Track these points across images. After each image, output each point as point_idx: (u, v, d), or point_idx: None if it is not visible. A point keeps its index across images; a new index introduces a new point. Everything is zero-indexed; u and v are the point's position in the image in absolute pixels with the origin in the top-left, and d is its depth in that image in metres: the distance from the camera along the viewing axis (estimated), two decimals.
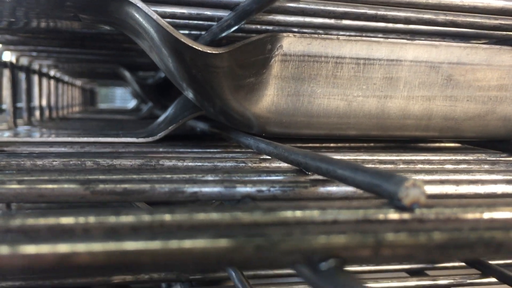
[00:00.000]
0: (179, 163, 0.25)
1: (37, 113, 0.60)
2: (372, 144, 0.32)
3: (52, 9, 0.28)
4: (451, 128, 0.30)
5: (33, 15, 0.29)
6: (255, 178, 0.19)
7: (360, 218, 0.13)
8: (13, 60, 0.52)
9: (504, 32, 0.27)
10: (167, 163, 0.24)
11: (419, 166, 0.28)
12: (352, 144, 0.33)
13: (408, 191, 0.13)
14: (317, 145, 0.32)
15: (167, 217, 0.11)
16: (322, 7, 0.24)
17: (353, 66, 0.27)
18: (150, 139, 0.32)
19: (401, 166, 0.27)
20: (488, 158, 0.30)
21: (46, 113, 0.67)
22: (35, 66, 0.59)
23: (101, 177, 0.16)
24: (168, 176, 0.18)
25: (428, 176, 0.22)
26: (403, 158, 0.29)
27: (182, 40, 0.21)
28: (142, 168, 0.24)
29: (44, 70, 0.66)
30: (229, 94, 0.26)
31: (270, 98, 0.26)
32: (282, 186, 0.18)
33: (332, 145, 0.32)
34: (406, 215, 0.13)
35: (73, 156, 0.25)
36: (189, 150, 0.31)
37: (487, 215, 0.14)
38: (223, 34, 0.27)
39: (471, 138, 0.32)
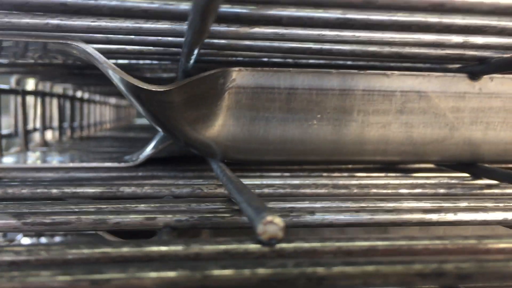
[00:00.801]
0: (138, 190, 0.27)
1: (56, 133, 0.64)
2: (337, 167, 0.33)
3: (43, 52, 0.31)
4: (411, 153, 0.31)
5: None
6: (183, 208, 0.21)
7: (221, 251, 0.14)
8: (32, 85, 0.56)
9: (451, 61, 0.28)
10: (127, 190, 0.27)
11: (373, 190, 0.29)
12: (324, 167, 0.34)
13: (266, 227, 0.14)
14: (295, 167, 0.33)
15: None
16: (268, 44, 0.26)
17: (306, 96, 0.28)
18: (130, 163, 0.35)
19: (355, 190, 0.29)
20: (450, 182, 0.31)
21: (69, 132, 0.71)
22: (58, 89, 0.63)
23: (32, 210, 0.19)
24: (104, 206, 0.20)
25: (359, 204, 0.23)
26: (364, 182, 0.30)
27: (130, 81, 0.23)
28: (103, 195, 0.26)
29: (69, 92, 0.70)
30: (187, 126, 0.28)
31: (227, 128, 0.28)
32: (201, 216, 0.20)
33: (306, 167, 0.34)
34: (265, 249, 0.14)
35: (51, 183, 0.28)
36: (166, 174, 0.34)
37: (345, 248, 0.15)
38: (188, 67, 0.29)
39: (435, 161, 0.32)
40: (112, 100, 1.23)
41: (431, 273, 0.13)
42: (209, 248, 0.14)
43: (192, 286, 0.12)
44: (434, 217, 0.21)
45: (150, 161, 0.36)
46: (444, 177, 0.32)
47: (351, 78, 0.29)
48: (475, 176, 0.32)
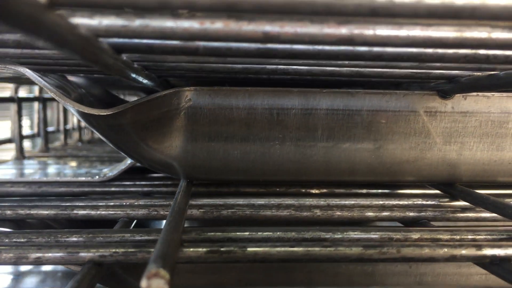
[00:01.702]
0: (92, 212, 0.27)
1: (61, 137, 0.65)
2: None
3: None
4: (382, 173, 0.30)
5: None
6: (116, 239, 0.21)
7: None
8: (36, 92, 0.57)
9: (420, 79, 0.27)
10: (81, 212, 0.27)
11: (337, 213, 0.28)
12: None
13: (150, 281, 0.14)
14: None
15: None
16: (221, 65, 0.25)
17: (267, 116, 0.28)
18: (105, 178, 0.35)
19: (318, 213, 0.28)
20: (424, 203, 0.30)
21: (77, 135, 0.72)
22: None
23: None
24: (23, 240, 0.20)
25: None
26: (334, 203, 0.29)
27: (75, 107, 0.23)
28: (57, 216, 0.26)
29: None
30: (145, 146, 0.27)
31: (186, 147, 0.28)
32: (126, 251, 0.19)
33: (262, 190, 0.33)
34: None
35: (11, 203, 0.28)
36: (139, 189, 0.34)
37: None
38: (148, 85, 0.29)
39: (410, 181, 0.31)
40: None
41: None
42: None
43: None
44: (374, 253, 0.20)
45: (133, 172, 0.36)
46: (420, 197, 0.30)
47: (313, 97, 0.27)
48: (453, 197, 0.30)
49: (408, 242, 0.21)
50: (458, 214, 0.28)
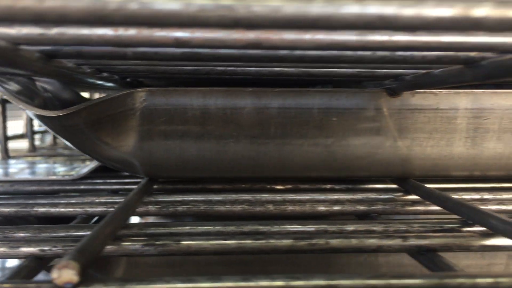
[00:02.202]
0: (52, 209, 0.28)
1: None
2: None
3: None
4: (335, 168, 0.31)
5: None
6: (54, 235, 0.22)
7: None
8: None
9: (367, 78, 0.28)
10: (41, 209, 0.28)
11: (290, 208, 0.29)
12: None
13: (60, 272, 0.15)
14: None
15: None
16: (170, 67, 0.27)
17: (221, 114, 0.29)
18: (75, 176, 0.36)
19: (271, 208, 0.29)
20: (378, 197, 0.30)
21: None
22: None
23: None
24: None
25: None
26: (289, 198, 0.30)
27: (28, 109, 0.24)
28: (18, 214, 0.28)
29: None
30: (103, 145, 0.28)
31: (143, 146, 0.29)
32: (65, 245, 0.21)
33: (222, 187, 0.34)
34: None
35: None
36: (108, 187, 0.35)
37: None
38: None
39: (365, 176, 0.32)
40: None
41: None
42: None
43: None
44: (303, 244, 0.21)
45: (106, 171, 0.37)
46: (376, 191, 0.31)
47: (265, 96, 0.28)
48: (406, 191, 0.31)
49: (337, 234, 0.22)
50: (407, 208, 0.29)
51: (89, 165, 0.37)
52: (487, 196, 0.30)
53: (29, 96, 0.29)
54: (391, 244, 0.21)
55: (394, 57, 0.19)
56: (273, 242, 0.21)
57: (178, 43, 0.16)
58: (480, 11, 0.11)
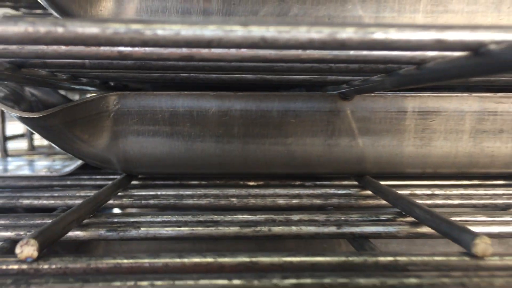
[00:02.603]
0: (35, 201, 0.31)
1: None
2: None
3: None
4: (296, 165, 0.33)
5: None
6: (30, 222, 0.25)
7: None
8: None
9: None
10: (25, 201, 0.31)
11: (252, 201, 0.32)
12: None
13: (22, 248, 0.18)
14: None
15: None
16: (140, 74, 0.29)
17: (188, 116, 0.32)
18: (62, 173, 0.39)
19: (235, 202, 0.32)
20: (336, 192, 0.33)
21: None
22: None
23: None
24: None
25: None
26: (254, 192, 0.33)
27: (9, 111, 0.28)
28: (4, 206, 0.31)
29: None
30: (82, 143, 0.31)
31: (118, 144, 0.32)
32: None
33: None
34: (24, 267, 0.18)
35: None
36: (93, 183, 0.38)
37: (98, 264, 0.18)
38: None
39: (325, 173, 0.35)
40: None
41: None
42: None
43: None
44: (249, 231, 0.24)
45: (92, 168, 0.40)
46: (336, 187, 0.33)
47: (228, 99, 0.31)
48: (363, 187, 0.33)
49: (283, 223, 0.25)
50: (361, 201, 0.31)
51: (74, 163, 0.40)
52: (437, 192, 0.33)
53: (16, 100, 0.32)
54: (327, 232, 0.24)
55: (321, 67, 0.22)
56: (221, 229, 0.24)
57: (121, 56, 0.19)
58: (344, 34, 0.14)
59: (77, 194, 0.32)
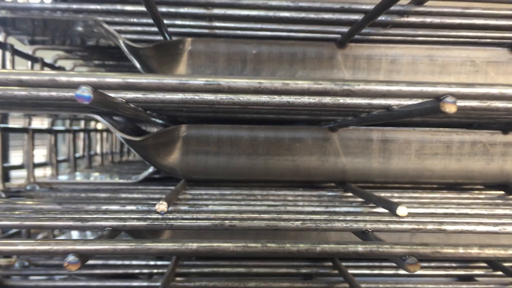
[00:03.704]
0: (129, 195, 0.47)
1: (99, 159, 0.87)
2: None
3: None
4: (299, 175, 0.50)
5: None
6: (123, 209, 0.41)
7: None
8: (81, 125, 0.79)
9: None
10: (123, 195, 0.47)
11: (272, 197, 0.48)
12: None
13: (159, 206, 0.34)
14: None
15: None
16: (198, 114, 0.46)
17: (229, 141, 0.48)
18: (134, 180, 0.55)
19: (259, 197, 0.48)
20: (322, 193, 0.49)
21: (109, 158, 0.94)
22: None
23: (66, 200, 0.39)
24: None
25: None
26: (271, 192, 0.49)
27: (121, 135, 0.44)
28: (110, 197, 0.47)
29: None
30: (159, 158, 0.48)
31: (182, 159, 0.48)
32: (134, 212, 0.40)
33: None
34: None
35: (82, 191, 0.49)
36: (156, 189, 0.54)
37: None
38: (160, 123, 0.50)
39: (321, 181, 0.51)
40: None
41: None
42: None
43: None
44: (272, 209, 0.40)
45: (156, 180, 0.57)
46: (326, 190, 0.50)
47: (256, 130, 0.48)
48: (344, 191, 0.50)
49: (291, 206, 0.41)
50: (342, 199, 0.48)
51: (143, 174, 0.56)
52: (396, 194, 0.49)
53: (115, 126, 0.49)
54: (319, 210, 0.40)
55: (315, 112, 0.39)
56: (252, 208, 0.40)
57: (196, 101, 0.36)
58: (326, 86, 0.30)
59: (154, 191, 0.49)
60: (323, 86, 0.25)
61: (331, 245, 0.28)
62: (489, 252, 0.27)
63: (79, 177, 0.63)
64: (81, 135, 0.80)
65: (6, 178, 0.54)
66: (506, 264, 0.49)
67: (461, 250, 0.27)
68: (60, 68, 0.66)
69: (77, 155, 0.79)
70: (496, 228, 0.33)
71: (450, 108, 0.23)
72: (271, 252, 0.27)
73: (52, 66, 0.64)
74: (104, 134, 0.90)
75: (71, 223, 0.32)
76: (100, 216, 0.33)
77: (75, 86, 0.23)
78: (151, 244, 0.27)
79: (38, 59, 0.58)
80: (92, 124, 0.88)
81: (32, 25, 0.48)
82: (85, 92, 0.22)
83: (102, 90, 0.23)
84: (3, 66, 0.51)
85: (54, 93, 0.25)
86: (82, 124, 0.82)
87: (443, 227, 0.33)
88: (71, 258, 0.25)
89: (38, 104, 0.38)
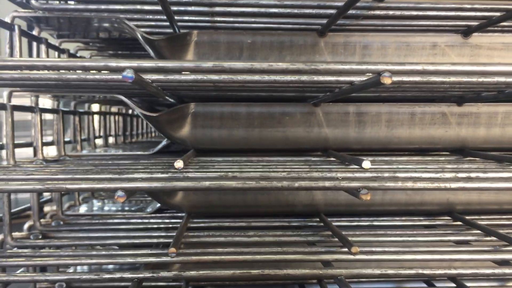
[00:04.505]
0: (147, 161, 0.57)
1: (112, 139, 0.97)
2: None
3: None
4: (289, 144, 0.59)
5: None
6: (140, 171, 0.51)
7: None
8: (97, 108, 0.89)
9: None
10: (143, 161, 0.57)
11: (263, 163, 0.58)
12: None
13: (177, 163, 0.44)
14: None
15: None
16: (204, 93, 0.56)
17: (230, 116, 0.58)
18: (151, 152, 0.65)
19: (259, 166, 0.58)
20: (307, 159, 0.59)
21: (122, 139, 1.04)
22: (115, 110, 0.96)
23: (94, 166, 0.49)
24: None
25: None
26: (266, 159, 0.59)
27: (140, 111, 0.54)
28: (132, 164, 0.57)
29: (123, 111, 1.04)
30: (172, 131, 0.58)
31: (191, 132, 0.58)
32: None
33: None
34: None
35: (109, 159, 0.59)
36: (171, 157, 0.64)
37: None
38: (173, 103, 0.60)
39: (307, 149, 0.61)
40: None
41: None
42: None
43: None
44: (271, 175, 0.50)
45: (166, 151, 0.67)
46: (311, 156, 0.59)
47: (252, 106, 0.58)
48: (327, 156, 0.60)
49: (279, 171, 0.51)
50: (325, 164, 0.58)
51: (157, 147, 0.66)
52: (370, 158, 0.59)
53: (137, 105, 0.59)
54: (306, 176, 0.50)
55: (300, 89, 0.49)
56: (246, 174, 0.50)
57: (204, 81, 0.45)
58: (300, 66, 0.40)
59: (168, 160, 0.59)
60: (296, 67, 0.35)
61: (306, 181, 0.38)
62: (420, 185, 0.37)
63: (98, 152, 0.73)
64: (96, 117, 0.90)
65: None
66: (468, 217, 0.60)
67: (399, 183, 0.37)
68: (82, 57, 0.76)
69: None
70: (438, 175, 0.43)
71: (387, 80, 0.33)
72: (263, 188, 0.38)
73: (75, 56, 0.73)
74: (116, 117, 1.00)
75: (110, 175, 0.42)
76: (132, 169, 0.43)
77: (122, 69, 0.32)
78: (177, 183, 0.37)
79: (65, 50, 0.68)
80: (105, 108, 0.97)
81: (62, 22, 0.58)
82: (129, 73, 0.31)
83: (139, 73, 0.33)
84: (38, 57, 0.61)
85: (104, 76, 0.34)
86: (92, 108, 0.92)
87: (396, 174, 0.43)
88: (120, 193, 0.35)
89: (80, 86, 0.48)
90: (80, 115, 0.75)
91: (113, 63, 0.32)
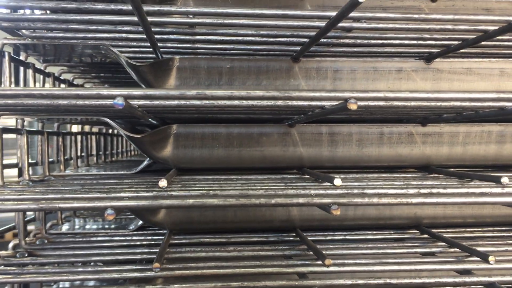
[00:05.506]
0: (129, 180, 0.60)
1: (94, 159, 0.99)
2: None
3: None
4: (266, 162, 0.63)
5: None
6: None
7: None
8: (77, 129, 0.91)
9: None
10: (127, 180, 0.60)
11: (243, 181, 0.61)
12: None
13: (161, 182, 0.47)
14: None
15: None
16: (186, 116, 0.59)
17: (210, 136, 0.61)
18: (134, 171, 0.68)
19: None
20: (288, 176, 0.63)
21: (102, 158, 1.06)
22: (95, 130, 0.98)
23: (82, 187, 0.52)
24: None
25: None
26: (245, 177, 0.62)
27: (124, 133, 0.57)
28: (118, 183, 0.59)
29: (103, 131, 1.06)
30: (154, 151, 0.61)
31: (173, 152, 0.61)
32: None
33: None
34: None
35: (90, 179, 0.61)
36: (154, 177, 0.67)
37: None
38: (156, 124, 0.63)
39: (283, 167, 0.64)
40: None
41: None
42: None
43: None
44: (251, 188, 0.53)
45: (151, 170, 0.70)
46: (287, 174, 0.63)
47: (231, 127, 0.61)
48: (302, 173, 0.63)
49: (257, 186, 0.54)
50: (300, 182, 0.61)
51: (141, 166, 0.69)
52: (342, 176, 0.63)
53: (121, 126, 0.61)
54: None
55: (276, 111, 0.52)
56: (227, 190, 0.53)
57: (187, 106, 0.49)
58: (274, 93, 0.44)
59: (151, 179, 0.61)
60: (272, 94, 0.38)
61: (282, 198, 0.42)
62: (385, 200, 0.41)
63: (81, 171, 0.75)
64: (79, 137, 0.92)
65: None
66: (434, 230, 0.64)
67: (366, 199, 0.41)
68: (65, 81, 0.78)
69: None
70: (402, 191, 0.47)
71: (353, 106, 0.37)
72: (243, 205, 0.41)
73: (59, 79, 0.76)
74: (97, 137, 1.02)
75: (98, 194, 0.44)
76: (118, 188, 0.46)
77: (113, 97, 0.35)
78: (162, 201, 0.40)
79: (50, 74, 0.70)
80: (86, 128, 1.00)
81: (48, 48, 0.60)
82: (120, 101, 0.35)
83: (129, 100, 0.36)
84: (25, 81, 0.63)
85: (94, 102, 0.37)
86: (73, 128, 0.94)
87: (365, 190, 0.46)
88: (109, 211, 0.37)
89: (69, 110, 0.50)
90: (63, 136, 0.77)
91: (105, 91, 0.35)
